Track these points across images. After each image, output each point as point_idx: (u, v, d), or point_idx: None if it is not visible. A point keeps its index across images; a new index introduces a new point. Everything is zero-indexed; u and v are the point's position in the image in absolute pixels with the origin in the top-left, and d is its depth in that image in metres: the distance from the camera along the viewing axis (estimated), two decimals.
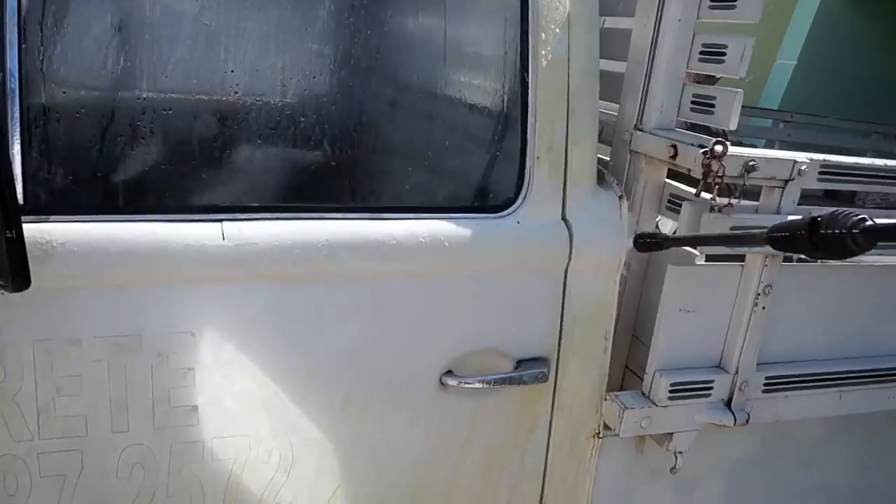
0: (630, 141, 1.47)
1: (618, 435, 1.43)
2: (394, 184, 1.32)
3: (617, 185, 1.44)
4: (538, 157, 1.34)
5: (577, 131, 1.36)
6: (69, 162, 1.10)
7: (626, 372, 1.59)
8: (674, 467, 1.47)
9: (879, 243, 0.97)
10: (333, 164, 1.25)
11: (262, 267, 1.18)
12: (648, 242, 1.33)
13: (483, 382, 1.36)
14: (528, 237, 1.34)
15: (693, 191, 1.38)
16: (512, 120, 1.34)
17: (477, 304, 1.34)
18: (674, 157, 1.35)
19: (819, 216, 1.00)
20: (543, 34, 1.31)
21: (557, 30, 1.33)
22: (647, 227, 1.51)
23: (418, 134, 1.33)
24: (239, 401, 1.23)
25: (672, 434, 1.45)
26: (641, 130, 1.45)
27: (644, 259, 1.54)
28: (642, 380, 1.49)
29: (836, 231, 0.97)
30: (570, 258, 1.37)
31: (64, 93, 1.10)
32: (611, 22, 1.70)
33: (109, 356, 1.14)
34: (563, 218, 1.37)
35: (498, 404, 1.40)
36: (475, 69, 1.35)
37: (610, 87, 1.53)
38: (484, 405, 1.39)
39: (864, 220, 0.96)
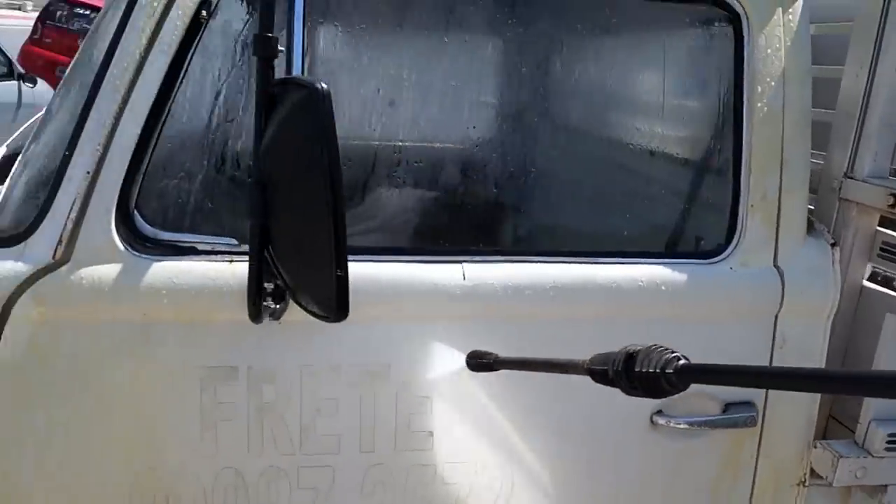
0: (839, 189, 1.48)
1: (830, 484, 1.41)
2: (614, 231, 1.40)
3: (827, 232, 1.45)
4: (752, 206, 1.38)
5: (790, 181, 1.39)
6: None
7: (830, 421, 1.57)
8: None
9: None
10: (561, 214, 1.35)
11: (496, 306, 1.29)
12: (480, 363, 1.23)
13: (692, 424, 1.40)
14: (741, 283, 1.38)
15: None
16: (726, 170, 1.39)
17: (688, 346, 1.38)
18: (893, 205, 1.35)
19: (636, 351, 0.93)
20: (759, 87, 1.36)
21: (773, 83, 1.37)
22: (857, 275, 1.50)
23: (636, 184, 1.41)
24: (469, 429, 1.33)
25: (886, 486, 1.42)
26: (853, 179, 1.46)
27: (852, 307, 1.53)
28: (848, 429, 1.48)
29: (651, 370, 0.89)
30: (781, 305, 1.39)
31: None
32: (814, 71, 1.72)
33: (362, 382, 1.28)
34: (775, 265, 1.40)
35: (705, 447, 1.43)
36: (691, 122, 1.42)
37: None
38: (691, 447, 1.42)
39: (678, 358, 0.88)
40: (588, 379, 1.35)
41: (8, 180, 1.42)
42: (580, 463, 1.39)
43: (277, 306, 1.18)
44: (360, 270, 1.24)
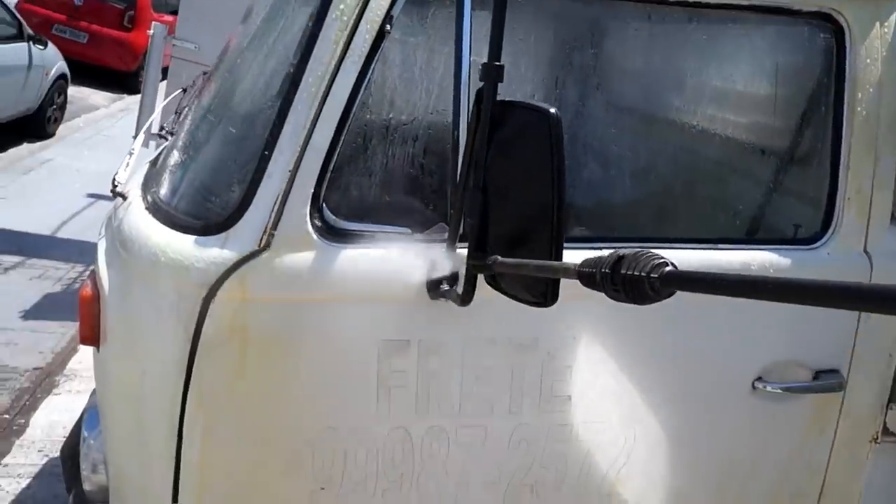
0: None
1: None
2: (731, 221, 1.58)
3: None
4: (848, 199, 1.56)
5: (880, 177, 1.57)
6: None
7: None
8: None
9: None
10: (690, 205, 1.52)
11: None
12: (481, 265, 1.21)
13: (788, 389, 1.60)
14: (836, 266, 1.56)
15: None
16: (826, 166, 1.56)
17: (787, 323, 1.58)
18: None
19: (625, 254, 0.90)
20: (859, 93, 1.53)
21: (870, 89, 1.54)
22: None
23: (748, 179, 1.58)
24: (600, 393, 1.52)
25: None
26: None
27: None
28: None
29: (636, 273, 0.86)
30: None
31: None
32: None
33: (513, 353, 1.45)
34: (865, 250, 1.58)
35: (797, 409, 1.63)
36: (798, 124, 1.58)
37: None
38: (785, 409, 1.63)
39: (666, 264, 0.85)
40: (702, 349, 1.55)
41: (167, 172, 1.56)
42: (691, 422, 1.59)
43: (450, 289, 1.34)
44: None
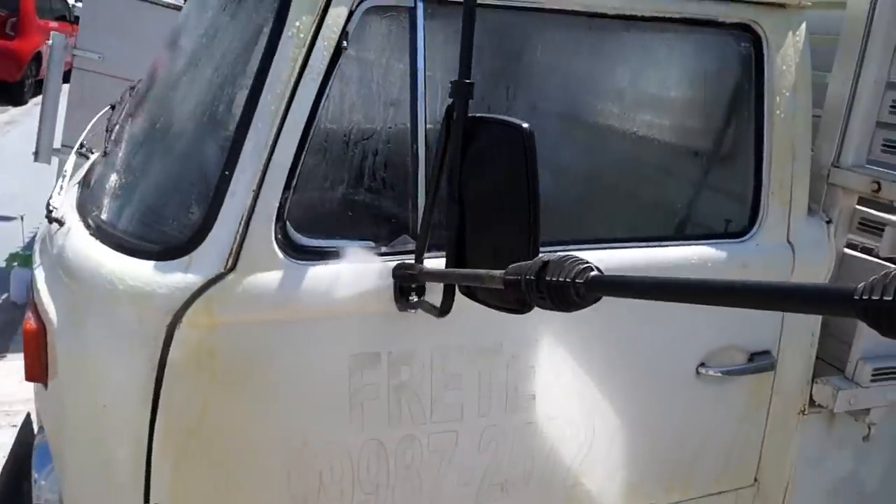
0: (828, 176, 1.83)
1: (832, 411, 1.79)
2: (665, 218, 1.68)
3: (822, 211, 1.80)
4: (772, 193, 1.69)
5: (798, 171, 1.72)
6: None
7: (817, 361, 1.95)
8: (867, 436, 1.84)
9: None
10: (629, 205, 1.61)
11: None
12: (404, 275, 1.30)
13: (729, 372, 1.72)
14: (764, 257, 1.70)
15: (886, 216, 1.74)
16: (752, 164, 1.69)
17: (724, 311, 1.69)
18: (877, 190, 1.71)
19: (550, 260, 0.89)
20: (777, 97, 1.67)
21: (786, 93, 1.68)
22: (840, 245, 1.86)
23: (680, 179, 1.69)
24: (562, 390, 1.58)
25: (869, 409, 1.81)
26: (839, 167, 1.81)
27: (836, 271, 1.90)
28: (834, 367, 1.86)
29: (561, 279, 0.84)
30: (792, 272, 1.73)
31: None
32: None
33: (480, 358, 1.49)
34: (788, 241, 1.73)
35: (736, 390, 1.76)
36: (723, 126, 1.70)
37: None
38: (726, 391, 1.75)
39: (591, 269, 0.85)
40: (649, 343, 1.64)
41: (110, 195, 1.50)
42: (644, 410, 1.68)
43: (420, 300, 1.37)
44: None
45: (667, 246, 1.63)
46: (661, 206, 1.71)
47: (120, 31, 3.96)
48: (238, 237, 1.29)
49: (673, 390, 1.70)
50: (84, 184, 1.74)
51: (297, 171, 1.32)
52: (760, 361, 1.75)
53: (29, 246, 5.16)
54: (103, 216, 1.47)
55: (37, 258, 1.66)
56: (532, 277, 0.89)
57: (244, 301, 1.31)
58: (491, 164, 1.10)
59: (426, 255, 1.32)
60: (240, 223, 1.29)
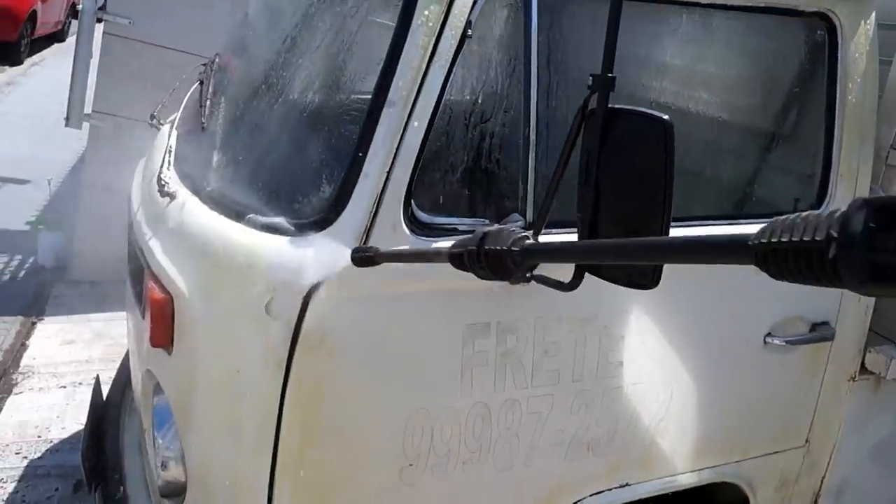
0: (886, 157, 1.94)
1: (879, 377, 1.93)
2: (738, 197, 1.79)
3: (882, 191, 1.91)
4: (841, 175, 1.80)
5: (864, 154, 1.82)
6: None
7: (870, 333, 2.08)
8: None
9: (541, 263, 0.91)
10: (713, 184, 1.71)
11: None
12: (363, 257, 1.33)
13: (792, 342, 1.85)
14: None
15: None
16: (822, 147, 1.80)
17: (792, 284, 1.82)
18: None
19: (488, 231, 0.95)
20: (849, 83, 1.77)
21: (858, 79, 1.78)
22: None
23: (753, 160, 1.80)
24: (646, 358, 1.70)
25: None
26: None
27: None
28: (883, 337, 2.00)
29: (498, 248, 0.90)
30: None
31: None
32: None
33: (576, 328, 1.60)
34: None
35: (796, 357, 1.89)
36: (796, 109, 1.80)
37: None
38: (787, 358, 1.88)
39: (526, 237, 0.89)
40: (724, 314, 1.76)
41: (229, 172, 1.57)
42: (716, 376, 1.81)
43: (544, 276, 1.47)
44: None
45: (736, 224, 1.74)
46: (733, 186, 1.81)
47: None
48: (371, 215, 1.38)
49: (742, 358, 1.83)
50: (183, 157, 1.80)
51: (424, 153, 1.40)
52: (821, 332, 1.88)
53: (51, 208, 5.19)
54: (226, 192, 1.54)
55: (145, 229, 1.73)
56: (473, 248, 0.97)
57: (374, 275, 1.40)
58: (628, 153, 1.19)
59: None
60: (374, 202, 1.37)
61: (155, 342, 1.55)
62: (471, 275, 1.46)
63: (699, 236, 0.80)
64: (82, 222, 4.31)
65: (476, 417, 1.57)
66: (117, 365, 3.43)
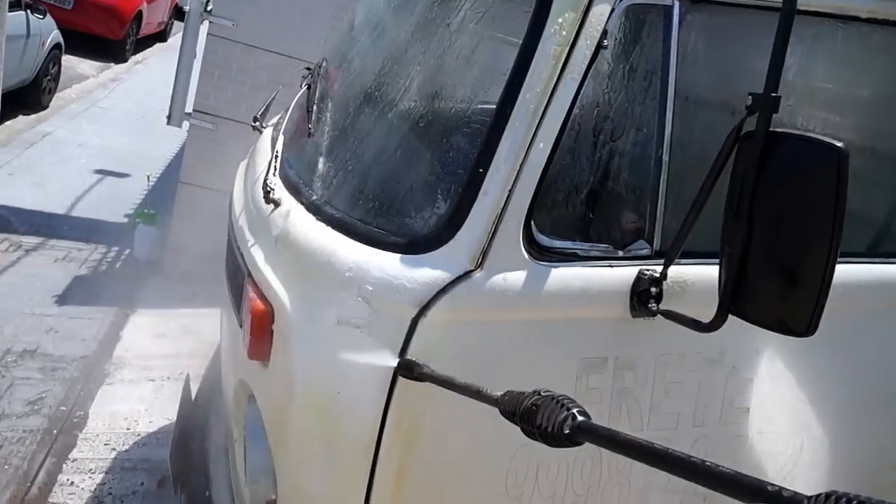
0: None
1: None
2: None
3: None
4: None
5: None
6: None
7: None
8: None
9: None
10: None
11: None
12: (409, 375, 1.27)
13: None
14: None
15: None
16: None
17: None
18: None
19: (539, 398, 0.97)
20: None
21: None
22: None
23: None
24: (776, 404, 1.54)
25: None
26: None
27: None
28: None
29: (550, 430, 0.93)
30: None
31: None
32: None
33: (701, 367, 1.46)
34: None
35: None
36: None
37: None
38: None
39: (574, 417, 0.93)
40: (865, 362, 1.58)
41: (338, 182, 1.51)
42: (849, 427, 1.63)
43: (658, 307, 1.34)
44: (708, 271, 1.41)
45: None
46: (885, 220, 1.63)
47: (254, 1, 4.00)
48: (488, 236, 1.28)
49: (877, 407, 1.64)
50: (288, 164, 1.76)
51: (548, 171, 1.29)
52: None
53: (147, 203, 5.37)
54: (334, 203, 1.48)
55: (247, 235, 1.69)
56: (523, 424, 0.99)
57: (487, 300, 1.31)
58: (792, 183, 1.05)
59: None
60: (492, 222, 1.28)
61: (252, 354, 1.50)
62: (592, 304, 1.37)
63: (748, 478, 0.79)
64: (177, 218, 4.41)
65: (585, 458, 1.45)
66: (204, 362, 3.48)
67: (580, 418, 0.94)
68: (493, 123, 1.28)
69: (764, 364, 1.50)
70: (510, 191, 1.28)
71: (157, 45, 11.70)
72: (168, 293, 4.25)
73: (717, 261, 1.42)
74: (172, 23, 12.51)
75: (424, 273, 1.29)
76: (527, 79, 1.27)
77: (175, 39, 12.78)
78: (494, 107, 1.29)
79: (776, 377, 1.52)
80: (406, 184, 1.41)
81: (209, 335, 3.85)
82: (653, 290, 1.33)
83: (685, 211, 1.36)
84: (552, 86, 1.26)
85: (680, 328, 1.41)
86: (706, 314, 1.34)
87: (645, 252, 1.38)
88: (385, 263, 1.32)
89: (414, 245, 1.32)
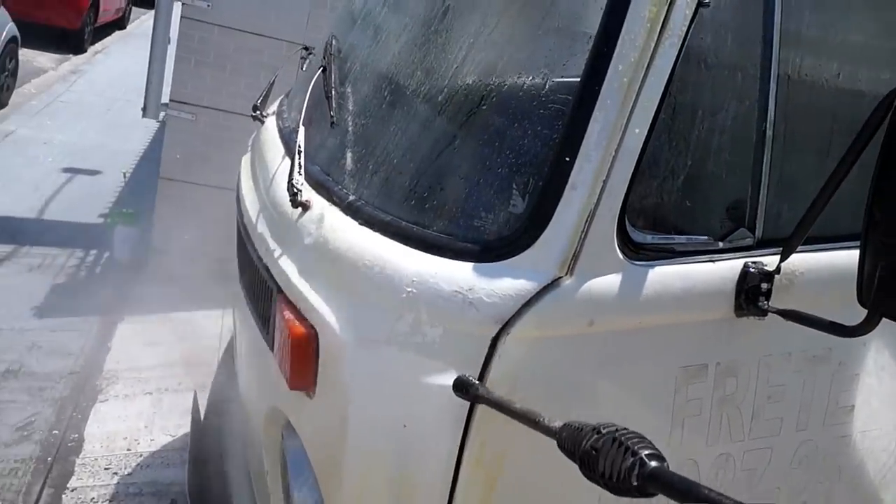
0: None
1: None
2: None
3: None
4: None
5: None
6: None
7: None
8: None
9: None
10: None
11: None
12: (462, 395, 1.11)
13: None
14: None
15: None
16: None
17: None
18: None
19: (600, 438, 0.85)
20: None
21: None
22: None
23: None
24: (880, 400, 1.39)
25: None
26: None
27: None
28: None
29: (614, 477, 0.81)
30: None
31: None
32: None
33: (807, 366, 1.30)
34: None
35: None
36: None
37: None
38: None
39: (641, 464, 0.79)
40: None
41: (382, 181, 1.30)
42: None
43: (769, 304, 1.17)
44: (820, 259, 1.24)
45: None
46: None
47: None
48: (581, 236, 1.09)
49: None
50: (312, 160, 1.53)
51: (644, 157, 1.10)
52: None
53: (123, 201, 5.07)
54: (378, 203, 1.27)
55: (272, 244, 1.48)
56: (585, 470, 0.87)
57: (580, 310, 1.12)
58: None
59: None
60: (584, 219, 1.08)
61: (295, 385, 1.29)
62: (694, 305, 1.19)
63: None
64: (159, 216, 4.15)
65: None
66: (202, 369, 3.25)
67: (652, 464, 0.79)
68: (578, 102, 1.09)
69: (871, 357, 1.34)
70: (604, 182, 1.08)
71: (117, 33, 11.17)
72: (155, 297, 3.98)
73: (830, 247, 1.26)
74: (131, 9, 11.96)
75: (505, 284, 1.09)
76: (617, 47, 1.07)
77: (134, 26, 12.25)
78: (578, 81, 1.09)
79: (881, 370, 1.36)
80: (471, 178, 1.20)
81: (207, 339, 3.63)
82: (763, 286, 1.16)
83: (791, 194, 1.18)
84: (649, 54, 1.07)
85: (787, 324, 1.25)
86: (818, 310, 1.18)
87: (748, 242, 1.21)
88: (455, 274, 1.12)
89: (488, 251, 1.12)
